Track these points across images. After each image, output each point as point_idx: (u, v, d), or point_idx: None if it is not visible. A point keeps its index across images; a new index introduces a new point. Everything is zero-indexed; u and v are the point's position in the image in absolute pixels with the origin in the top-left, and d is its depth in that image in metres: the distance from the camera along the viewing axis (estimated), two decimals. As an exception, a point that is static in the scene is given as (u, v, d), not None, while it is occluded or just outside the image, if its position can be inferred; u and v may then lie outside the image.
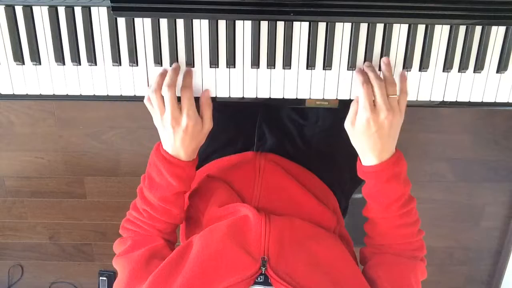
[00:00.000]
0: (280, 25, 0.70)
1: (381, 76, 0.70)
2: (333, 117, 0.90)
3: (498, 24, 0.70)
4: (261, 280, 0.59)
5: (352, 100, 0.70)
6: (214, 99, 0.73)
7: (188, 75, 0.70)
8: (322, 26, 0.70)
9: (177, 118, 0.67)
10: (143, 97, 0.71)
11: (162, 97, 0.67)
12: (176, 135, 0.68)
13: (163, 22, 0.70)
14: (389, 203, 0.71)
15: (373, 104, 0.66)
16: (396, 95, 0.67)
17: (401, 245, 0.74)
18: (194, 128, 0.68)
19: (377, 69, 0.72)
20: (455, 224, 1.96)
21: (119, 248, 0.74)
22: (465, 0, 0.66)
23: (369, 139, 0.67)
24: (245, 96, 0.74)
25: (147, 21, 0.70)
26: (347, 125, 0.69)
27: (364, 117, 0.65)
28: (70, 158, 1.82)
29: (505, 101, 0.75)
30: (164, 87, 0.66)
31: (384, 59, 0.71)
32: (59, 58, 0.71)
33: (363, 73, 0.69)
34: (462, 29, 0.71)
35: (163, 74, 0.69)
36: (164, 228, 0.75)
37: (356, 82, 0.71)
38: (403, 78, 0.71)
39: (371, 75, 0.68)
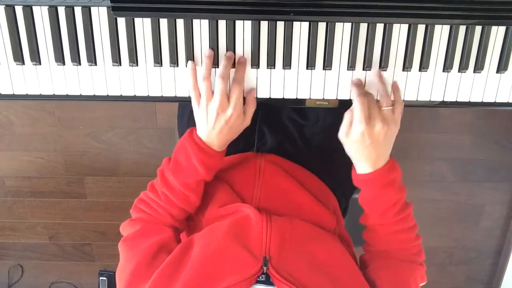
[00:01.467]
0: (280, 25, 0.70)
1: (377, 86, 0.71)
2: (333, 117, 0.90)
3: (498, 24, 0.70)
4: (262, 279, 0.60)
5: (352, 100, 0.70)
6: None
7: (241, 67, 0.71)
8: (322, 26, 0.70)
9: (224, 106, 0.67)
10: (143, 97, 0.71)
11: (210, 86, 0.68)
12: (217, 123, 0.68)
13: (163, 22, 0.70)
14: (385, 209, 0.72)
15: (368, 117, 0.66)
16: (390, 106, 0.68)
17: (400, 250, 0.75)
18: (236, 120, 0.69)
19: (376, 68, 0.72)
20: (455, 224, 1.96)
21: (127, 230, 0.74)
22: (465, 0, 0.66)
23: (363, 150, 0.68)
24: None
25: (147, 21, 0.70)
26: (341, 135, 0.70)
27: (359, 130, 0.66)
28: (70, 158, 1.82)
29: (505, 101, 0.75)
30: (218, 77, 0.67)
31: (376, 72, 0.72)
32: (59, 58, 0.71)
33: (358, 85, 0.70)
34: (462, 29, 0.71)
35: (210, 57, 0.70)
36: (177, 214, 0.75)
37: (351, 94, 0.71)
38: (396, 89, 0.72)
39: (356, 90, 0.69)
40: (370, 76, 0.72)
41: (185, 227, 0.79)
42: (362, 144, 0.67)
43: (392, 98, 0.71)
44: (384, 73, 0.72)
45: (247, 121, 0.71)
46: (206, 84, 0.68)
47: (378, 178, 0.70)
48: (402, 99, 0.73)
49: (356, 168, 0.73)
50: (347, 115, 0.69)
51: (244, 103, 0.70)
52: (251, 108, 0.71)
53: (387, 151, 0.70)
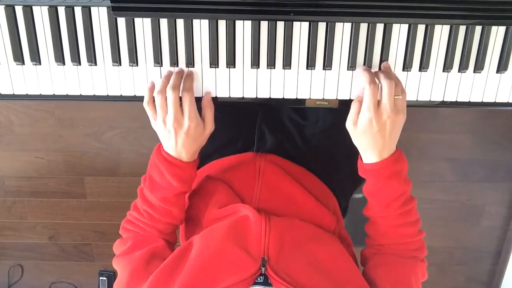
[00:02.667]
0: (280, 25, 0.70)
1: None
2: (333, 117, 0.90)
3: (498, 24, 0.70)
4: (261, 281, 0.60)
5: (352, 100, 0.70)
6: (214, 99, 0.73)
7: (189, 78, 0.70)
8: (322, 26, 0.70)
9: (179, 120, 0.67)
10: (143, 97, 0.71)
11: (166, 99, 0.67)
12: (178, 137, 0.68)
13: (163, 22, 0.70)
14: (389, 201, 0.71)
15: (377, 104, 0.66)
16: (400, 95, 0.67)
17: (401, 244, 0.74)
18: (196, 130, 0.68)
19: (376, 69, 0.72)
20: (455, 224, 1.96)
21: (119, 248, 0.74)
22: (465, 0, 0.66)
23: (371, 138, 0.67)
24: (245, 96, 0.74)
25: (147, 21, 0.70)
26: (349, 124, 0.69)
27: (367, 117, 0.65)
28: (70, 158, 1.82)
29: (505, 101, 0.75)
30: (168, 89, 0.66)
31: (384, 63, 0.71)
32: (59, 58, 0.71)
33: (369, 72, 0.69)
34: (462, 29, 0.71)
35: (168, 77, 0.69)
36: (164, 228, 0.75)
37: (361, 80, 0.70)
38: (398, 80, 0.71)
39: (383, 74, 0.67)
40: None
41: (176, 240, 0.79)
42: (369, 132, 0.66)
43: None
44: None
45: (210, 127, 0.71)
46: (161, 98, 0.67)
47: (384, 168, 0.69)
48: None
49: (362, 157, 0.72)
50: (354, 105, 0.68)
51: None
52: (209, 113, 0.70)
53: (394, 141, 0.69)
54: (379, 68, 0.72)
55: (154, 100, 0.69)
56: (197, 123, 0.68)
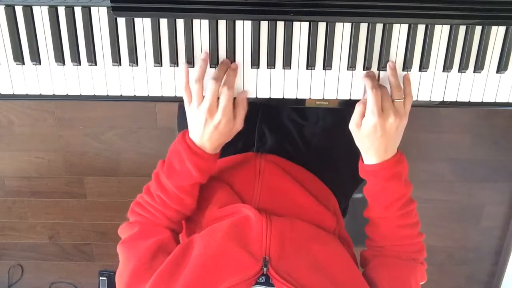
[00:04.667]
0: (280, 25, 0.70)
1: (389, 78, 0.71)
2: (333, 117, 0.90)
3: (498, 24, 0.70)
4: (262, 281, 0.59)
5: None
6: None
7: (233, 74, 0.70)
8: (322, 26, 0.70)
9: (212, 111, 0.67)
10: (143, 97, 0.71)
11: (202, 87, 0.67)
12: (206, 128, 0.68)
13: (163, 22, 0.70)
14: (390, 202, 0.71)
15: (381, 109, 0.66)
16: (402, 99, 0.67)
17: (401, 246, 0.74)
18: (226, 126, 0.68)
19: (374, 69, 0.72)
20: (455, 224, 1.96)
21: (126, 232, 0.74)
22: (465, 0, 0.66)
23: (374, 141, 0.68)
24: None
25: (147, 21, 0.70)
26: (352, 126, 0.69)
27: (372, 122, 0.66)
28: (70, 158, 1.82)
29: (505, 101, 0.75)
30: (211, 79, 0.67)
31: (390, 63, 0.71)
32: (59, 58, 0.71)
33: (372, 77, 0.70)
34: (462, 29, 0.71)
35: (206, 60, 0.69)
36: (174, 216, 0.75)
37: (364, 86, 0.71)
38: (407, 82, 0.72)
39: (370, 83, 0.68)
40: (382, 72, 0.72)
41: (183, 228, 0.79)
42: (373, 136, 0.67)
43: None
44: (384, 73, 0.72)
45: (239, 125, 0.71)
46: (198, 86, 0.67)
47: (385, 170, 0.69)
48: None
49: (363, 159, 0.73)
50: (358, 107, 0.69)
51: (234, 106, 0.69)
52: (242, 111, 0.70)
53: (396, 143, 0.70)
54: (379, 68, 0.72)
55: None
56: (229, 119, 0.68)
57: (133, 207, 0.77)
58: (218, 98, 0.67)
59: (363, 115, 0.68)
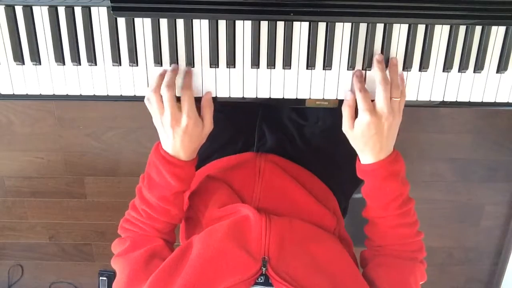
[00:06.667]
0: (280, 25, 0.70)
1: (390, 75, 0.70)
2: (333, 117, 0.90)
3: (498, 24, 0.70)
4: (261, 281, 0.59)
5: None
6: (214, 99, 0.73)
7: (188, 76, 0.70)
8: (322, 26, 0.70)
9: (177, 118, 0.67)
10: (143, 97, 0.71)
11: (161, 97, 0.67)
12: (176, 135, 0.68)
13: (163, 22, 0.70)
14: (387, 202, 0.71)
15: (373, 107, 0.66)
16: (399, 98, 0.67)
17: (400, 245, 0.74)
18: (194, 129, 0.68)
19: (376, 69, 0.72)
20: (455, 224, 1.96)
21: (118, 248, 0.74)
22: (465, 0, 0.66)
23: (368, 140, 0.68)
24: (245, 96, 0.73)
25: (147, 21, 0.70)
26: (345, 129, 0.70)
27: (365, 120, 0.66)
28: (70, 158, 1.82)
29: (505, 101, 0.75)
30: (163, 87, 0.66)
31: (393, 59, 0.71)
32: (59, 58, 0.71)
33: (360, 79, 0.70)
34: (462, 29, 0.71)
35: (162, 75, 0.69)
36: (163, 227, 0.75)
37: (352, 85, 0.71)
38: (401, 81, 0.72)
39: (380, 75, 0.68)
40: (371, 73, 0.72)
41: (175, 239, 0.79)
42: (367, 135, 0.67)
43: None
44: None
45: (209, 126, 0.70)
46: (155, 97, 0.67)
47: (381, 169, 0.69)
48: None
49: (360, 158, 0.72)
50: (345, 109, 0.69)
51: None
52: (208, 112, 0.70)
53: (391, 142, 0.69)
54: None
55: None
56: (195, 121, 0.68)
57: (122, 224, 0.78)
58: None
59: (352, 117, 0.68)
